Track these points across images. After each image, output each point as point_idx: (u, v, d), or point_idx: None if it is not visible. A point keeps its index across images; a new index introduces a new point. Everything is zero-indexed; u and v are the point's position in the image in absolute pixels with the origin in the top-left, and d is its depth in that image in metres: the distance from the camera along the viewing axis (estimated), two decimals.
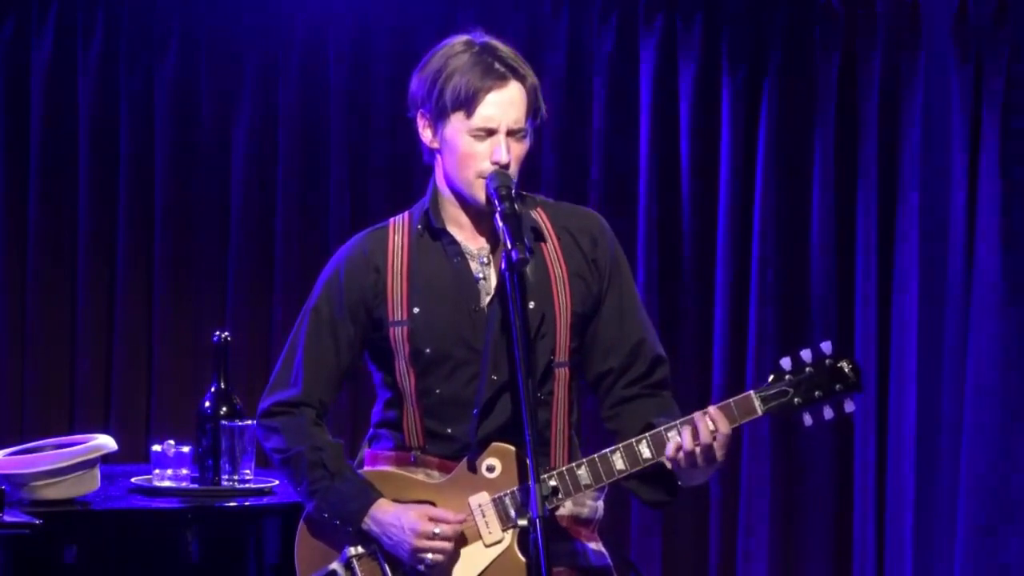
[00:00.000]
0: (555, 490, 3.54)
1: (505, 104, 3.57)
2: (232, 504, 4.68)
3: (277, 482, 4.74)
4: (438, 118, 3.61)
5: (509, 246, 3.44)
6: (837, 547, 5.98)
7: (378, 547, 3.63)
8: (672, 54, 5.97)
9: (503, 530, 3.58)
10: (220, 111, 5.94)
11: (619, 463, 3.56)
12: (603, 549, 3.70)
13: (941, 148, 5.95)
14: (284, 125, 5.95)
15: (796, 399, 3.55)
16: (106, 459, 4.60)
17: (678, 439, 3.52)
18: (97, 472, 4.57)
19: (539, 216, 3.70)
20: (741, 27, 5.96)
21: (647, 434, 3.55)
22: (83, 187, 5.88)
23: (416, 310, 3.64)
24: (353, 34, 5.95)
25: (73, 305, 5.91)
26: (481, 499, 3.59)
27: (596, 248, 3.70)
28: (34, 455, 4.56)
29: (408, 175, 5.80)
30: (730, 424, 3.53)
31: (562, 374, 3.65)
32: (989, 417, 5.85)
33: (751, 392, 3.56)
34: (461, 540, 3.58)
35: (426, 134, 3.66)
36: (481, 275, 3.65)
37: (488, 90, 3.56)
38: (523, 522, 3.49)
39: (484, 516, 3.59)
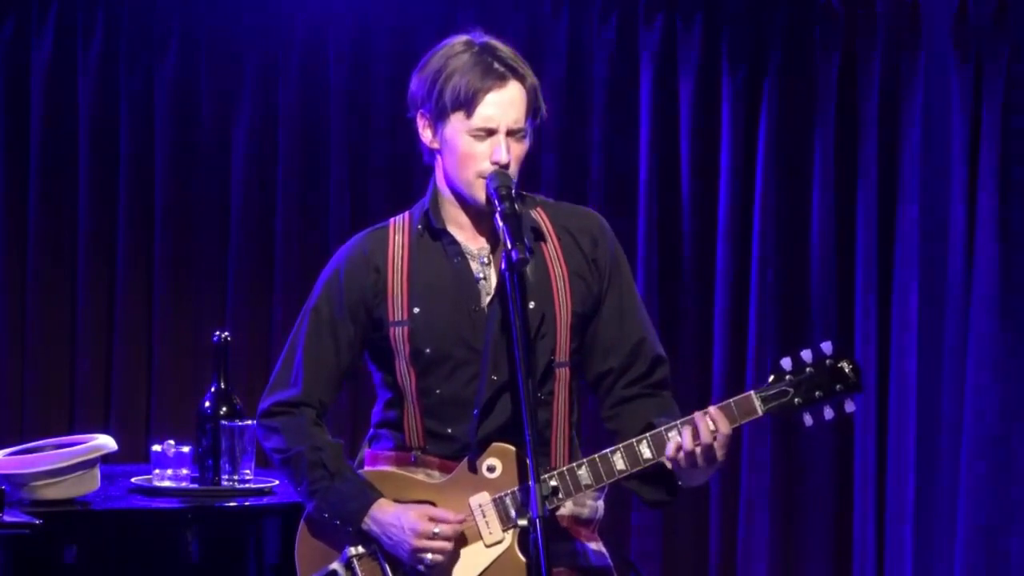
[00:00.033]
0: (555, 490, 3.54)
1: (505, 104, 3.57)
2: (232, 504, 4.68)
3: (277, 482, 4.74)
4: (438, 118, 3.61)
5: (509, 246, 3.44)
6: (837, 547, 5.98)
7: (378, 547, 3.63)
8: (672, 54, 5.97)
9: (503, 530, 3.58)
10: (220, 111, 5.94)
11: (619, 463, 3.56)
12: (603, 549, 3.70)
13: (941, 148, 5.95)
14: (284, 125, 5.95)
15: (796, 399, 3.55)
16: (106, 459, 4.60)
17: (678, 439, 3.52)
18: (97, 472, 4.57)
19: (539, 216, 3.70)
20: (741, 27, 5.96)
21: (647, 434, 3.55)
22: (83, 187, 5.88)
23: (416, 310, 3.64)
24: (353, 34, 5.95)
25: (73, 305, 5.91)
26: (481, 499, 3.59)
27: (596, 248, 3.69)
28: (34, 455, 4.55)
29: (408, 175, 5.80)
30: (730, 424, 3.53)
31: (562, 374, 3.65)
32: (989, 417, 5.85)
33: (751, 392, 3.56)
34: (461, 540, 3.58)
35: (426, 134, 3.66)
36: (481, 275, 3.65)
37: (488, 90, 3.56)
38: (523, 522, 3.49)
39: (484, 516, 3.59)
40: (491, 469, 3.60)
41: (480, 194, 3.58)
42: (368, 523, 3.61)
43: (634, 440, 3.56)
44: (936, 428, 5.94)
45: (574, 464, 3.57)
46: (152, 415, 5.89)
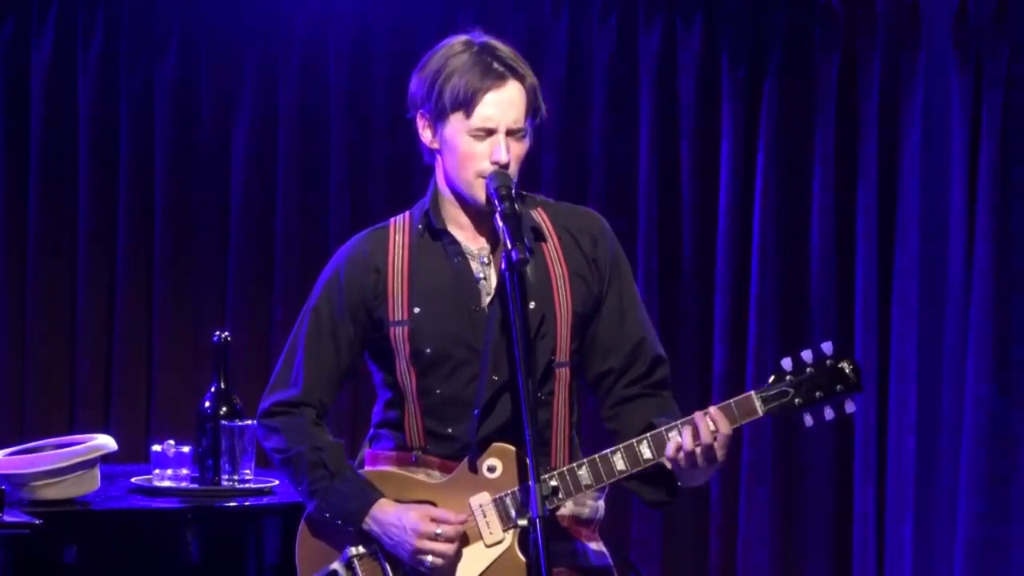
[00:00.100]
0: (555, 490, 3.54)
1: (504, 104, 3.57)
2: (232, 504, 4.68)
3: (277, 482, 4.74)
4: (438, 118, 3.61)
5: (509, 246, 3.44)
6: (837, 547, 5.98)
7: (379, 547, 3.63)
8: (672, 54, 5.97)
9: (504, 530, 3.58)
10: (220, 111, 5.94)
11: (620, 463, 3.56)
12: (604, 549, 3.70)
13: (941, 148, 5.95)
14: (284, 125, 5.94)
15: (797, 399, 3.55)
16: (106, 459, 4.60)
17: (678, 439, 3.52)
18: (97, 472, 4.57)
19: (539, 216, 3.70)
20: (741, 27, 5.96)
21: (648, 434, 3.55)
22: (83, 187, 5.88)
23: (416, 310, 3.64)
24: (353, 34, 5.95)
25: (73, 305, 5.91)
26: (482, 499, 3.59)
27: (596, 248, 3.69)
28: (34, 455, 4.55)
29: (408, 175, 5.80)
30: (731, 424, 3.53)
31: (562, 374, 3.65)
32: (989, 417, 5.85)
33: (752, 392, 3.56)
34: (462, 540, 3.58)
35: (426, 134, 3.66)
36: (481, 275, 3.65)
37: (487, 90, 3.56)
38: (523, 522, 3.49)
39: (485, 516, 3.59)
40: (491, 469, 3.60)
41: (480, 194, 3.58)
42: (369, 523, 3.61)
43: (634, 440, 3.56)
44: (936, 428, 5.94)
45: (574, 464, 3.57)
46: (152, 415, 5.89)
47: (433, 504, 3.60)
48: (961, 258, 5.90)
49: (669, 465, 3.56)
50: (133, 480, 4.80)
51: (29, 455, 4.56)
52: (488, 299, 3.63)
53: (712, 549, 5.98)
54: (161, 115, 5.90)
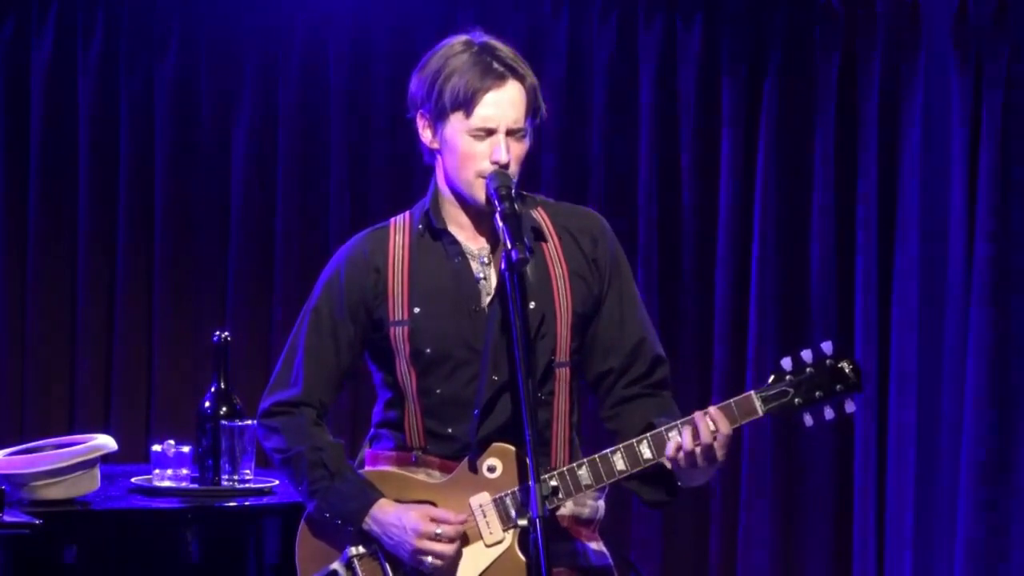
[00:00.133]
0: (555, 490, 3.54)
1: (504, 104, 3.57)
2: (232, 504, 4.68)
3: (277, 482, 4.73)
4: (437, 118, 3.61)
5: (509, 246, 3.44)
6: (837, 547, 5.98)
7: (379, 547, 3.63)
8: (672, 54, 5.97)
9: (504, 530, 3.58)
10: (220, 111, 5.94)
11: (620, 463, 3.56)
12: (604, 549, 3.70)
13: (941, 148, 5.95)
14: (284, 125, 5.95)
15: (797, 399, 3.55)
16: (106, 459, 4.60)
17: (678, 439, 3.52)
18: (97, 472, 4.57)
19: (539, 216, 3.70)
20: (741, 27, 5.96)
21: (648, 434, 3.55)
22: (83, 187, 5.88)
23: (417, 310, 3.64)
24: (353, 34, 5.95)
25: (73, 305, 5.91)
26: (482, 499, 3.59)
27: (596, 248, 3.69)
28: (34, 455, 4.55)
29: (408, 175, 5.80)
30: (731, 424, 3.53)
31: (563, 374, 3.65)
32: (989, 417, 5.85)
33: (752, 392, 3.56)
34: (462, 540, 3.58)
35: (426, 134, 3.66)
36: (482, 275, 3.65)
37: (487, 90, 3.56)
38: (523, 522, 3.49)
39: (485, 516, 3.59)
40: (491, 469, 3.60)
41: (480, 194, 3.58)
42: (369, 523, 3.61)
43: (634, 440, 3.56)
44: (936, 428, 5.94)
45: (574, 464, 3.57)
46: (152, 415, 5.89)
47: (433, 504, 3.60)
48: (961, 258, 5.90)
49: (669, 465, 3.56)
50: (133, 480, 4.80)
51: (29, 455, 4.56)
52: (488, 299, 3.63)
53: (712, 549, 5.98)
54: (161, 115, 5.90)
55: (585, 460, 3.57)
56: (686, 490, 3.65)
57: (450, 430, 3.64)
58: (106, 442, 4.59)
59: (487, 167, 3.57)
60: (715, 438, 3.51)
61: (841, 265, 5.99)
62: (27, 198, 5.88)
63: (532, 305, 3.61)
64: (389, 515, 3.60)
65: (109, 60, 5.88)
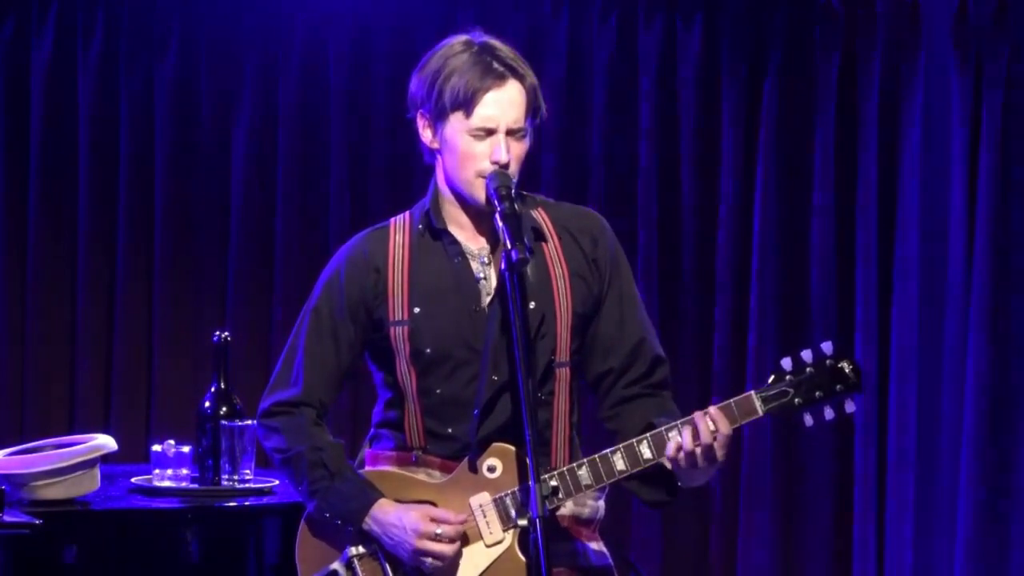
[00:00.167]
0: (555, 490, 3.54)
1: (504, 104, 3.57)
2: (232, 504, 4.68)
3: (277, 482, 4.73)
4: (438, 118, 3.61)
5: (509, 246, 3.44)
6: (837, 547, 5.98)
7: (379, 547, 3.63)
8: (672, 54, 5.97)
9: (504, 530, 3.58)
10: (220, 111, 5.94)
11: (620, 463, 3.55)
12: (604, 549, 3.70)
13: (941, 148, 5.95)
14: (284, 125, 5.95)
15: (797, 399, 3.54)
16: (106, 459, 4.59)
17: (678, 439, 3.52)
18: (97, 472, 4.57)
19: (540, 216, 3.70)
20: (741, 27, 5.96)
21: (648, 434, 3.55)
22: (83, 187, 5.88)
23: (417, 310, 3.64)
24: (353, 34, 5.95)
25: (73, 305, 5.91)
26: (482, 499, 3.59)
27: (596, 248, 3.69)
28: (34, 455, 4.55)
29: (408, 175, 5.80)
30: (731, 424, 3.53)
31: (563, 374, 3.65)
32: (989, 417, 5.85)
33: (752, 392, 3.56)
34: (462, 540, 3.58)
35: (426, 134, 3.66)
36: (482, 275, 3.65)
37: (487, 90, 3.56)
38: (523, 522, 3.48)
39: (485, 516, 3.59)
40: (491, 469, 3.60)
41: (480, 194, 3.58)
42: (369, 523, 3.61)
43: (634, 440, 3.56)
44: (936, 428, 5.94)
45: (574, 464, 3.57)
46: (152, 415, 5.89)
47: (433, 504, 3.60)
48: (961, 258, 5.90)
49: (669, 465, 3.56)
50: (133, 480, 4.80)
51: (29, 455, 4.56)
52: (488, 299, 3.63)
53: (712, 549, 5.98)
54: (161, 115, 5.90)
55: (585, 460, 3.57)
56: (686, 490, 3.65)
57: (450, 430, 3.64)
58: (106, 442, 4.58)
59: (487, 167, 3.57)
60: (715, 438, 3.51)
61: (841, 265, 5.99)
62: (27, 198, 5.88)
63: (532, 305, 3.61)
64: (389, 515, 3.60)
65: (109, 60, 5.89)
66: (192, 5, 5.91)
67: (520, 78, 3.59)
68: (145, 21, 5.90)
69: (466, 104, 3.56)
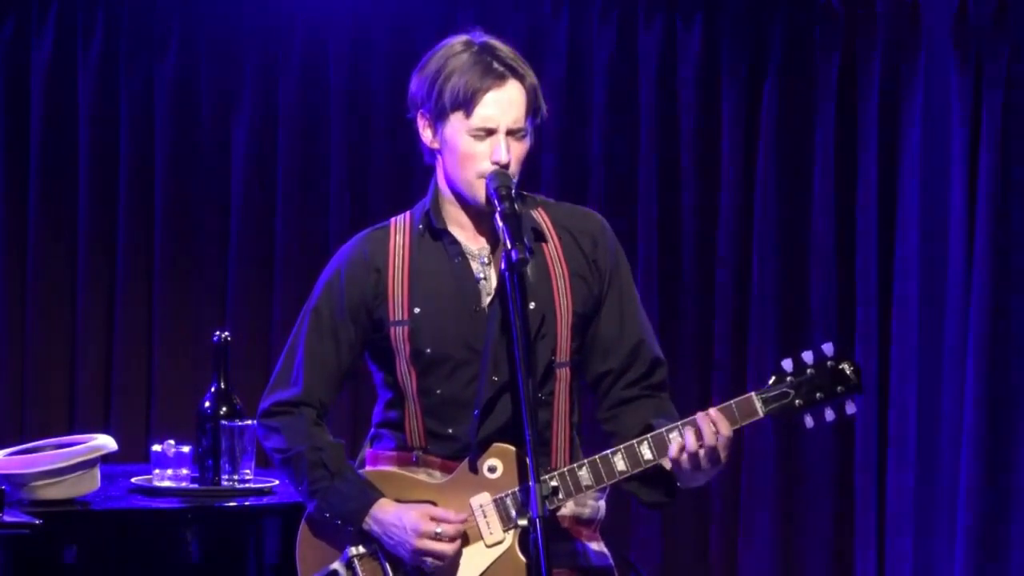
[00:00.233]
0: (556, 490, 3.53)
1: (504, 104, 3.57)
2: (232, 504, 4.68)
3: (277, 482, 4.74)
4: (438, 118, 3.61)
5: (509, 246, 3.44)
6: (837, 547, 5.98)
7: (379, 547, 3.63)
8: (672, 54, 5.97)
9: (504, 530, 3.58)
10: (220, 111, 5.94)
11: (620, 464, 3.55)
12: (604, 549, 3.70)
13: (941, 148, 5.95)
14: (284, 125, 5.95)
15: (797, 401, 3.54)
16: (106, 459, 4.59)
17: (681, 440, 3.52)
18: (97, 472, 4.57)
19: (540, 216, 3.70)
20: (741, 27, 5.96)
21: (648, 435, 3.55)
22: (83, 187, 5.88)
23: (417, 310, 3.64)
24: (353, 34, 5.95)
25: (73, 305, 5.91)
26: (482, 499, 3.59)
27: (597, 248, 3.69)
28: (34, 455, 4.55)
29: (408, 175, 5.80)
30: (731, 426, 3.53)
31: (563, 374, 3.64)
32: (988, 417, 5.85)
33: (752, 394, 3.56)
34: (462, 540, 3.58)
35: (426, 134, 3.65)
36: (482, 275, 3.65)
37: (487, 90, 3.56)
38: (524, 522, 3.49)
39: (485, 516, 3.59)
40: (492, 469, 3.60)
41: (480, 194, 3.58)
42: (369, 523, 3.61)
43: (635, 441, 3.56)
44: (936, 428, 5.94)
45: (575, 464, 3.57)
46: (152, 415, 5.89)
47: (434, 504, 3.60)
48: (961, 258, 5.90)
49: (670, 466, 3.56)
50: (133, 480, 4.80)
51: (29, 455, 4.56)
52: (488, 299, 3.63)
53: (712, 549, 5.98)
54: (161, 115, 5.90)
55: (585, 460, 3.57)
56: (686, 490, 3.65)
57: (450, 430, 3.64)
58: (106, 442, 4.58)
59: (487, 167, 3.57)
60: (716, 439, 3.51)
61: (841, 265, 5.99)
62: (27, 198, 5.88)
63: (532, 305, 3.61)
64: (389, 515, 3.60)
65: (109, 60, 5.89)
66: (192, 5, 5.91)
67: (520, 78, 3.59)
68: (145, 21, 5.90)
69: (466, 104, 3.56)
